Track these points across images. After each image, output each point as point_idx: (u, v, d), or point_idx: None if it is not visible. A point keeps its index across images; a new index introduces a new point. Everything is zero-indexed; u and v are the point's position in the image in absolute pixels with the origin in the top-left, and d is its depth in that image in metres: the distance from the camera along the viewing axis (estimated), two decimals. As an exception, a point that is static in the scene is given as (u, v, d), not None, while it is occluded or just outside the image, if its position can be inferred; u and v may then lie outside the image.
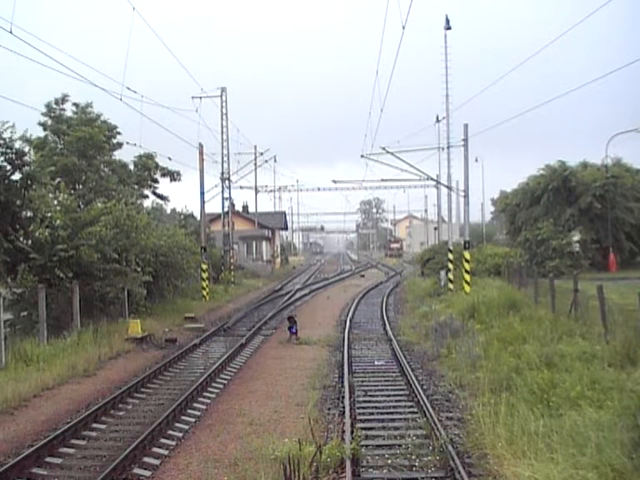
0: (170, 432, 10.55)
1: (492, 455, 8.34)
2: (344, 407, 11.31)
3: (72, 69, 21.58)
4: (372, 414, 11.30)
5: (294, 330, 20.58)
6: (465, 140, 30.70)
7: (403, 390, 13.20)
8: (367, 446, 9.35)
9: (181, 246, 29.00)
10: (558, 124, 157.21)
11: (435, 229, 65.10)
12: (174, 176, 39.64)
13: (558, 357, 12.52)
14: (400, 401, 12.31)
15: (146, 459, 9.24)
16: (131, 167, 37.57)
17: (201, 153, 36.57)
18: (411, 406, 11.81)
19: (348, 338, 19.64)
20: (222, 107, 42.22)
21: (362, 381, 14.03)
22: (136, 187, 37.32)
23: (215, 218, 49.71)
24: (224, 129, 42.42)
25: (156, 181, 39.66)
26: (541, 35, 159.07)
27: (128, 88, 23.68)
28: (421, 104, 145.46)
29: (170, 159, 39.17)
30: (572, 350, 12.83)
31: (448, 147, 32.65)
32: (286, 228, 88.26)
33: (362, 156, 35.99)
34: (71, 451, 9.72)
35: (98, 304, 21.20)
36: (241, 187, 53.49)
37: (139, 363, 17.02)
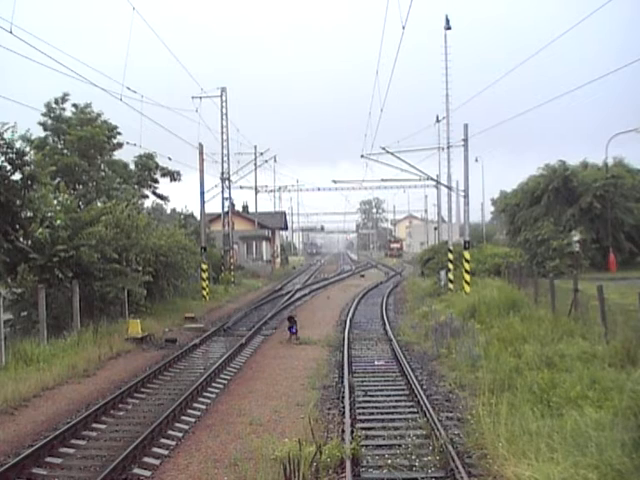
0: (170, 432, 10.54)
1: (492, 455, 8.33)
2: (344, 407, 11.30)
3: (72, 69, 21.56)
4: (372, 414, 11.29)
5: (294, 330, 20.57)
6: (465, 140, 30.70)
7: (403, 390, 13.20)
8: (367, 446, 9.34)
9: (181, 246, 28.99)
10: (558, 124, 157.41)
11: (435, 229, 65.08)
12: (174, 176, 39.70)
13: (558, 357, 12.53)
14: (400, 401, 12.30)
15: (146, 459, 9.23)
16: (131, 167, 37.61)
17: (201, 153, 36.56)
18: (411, 406, 11.80)
19: (348, 338, 19.63)
20: (222, 107, 42.24)
21: (362, 381, 14.02)
22: (136, 187, 37.36)
23: (215, 218, 49.72)
24: (224, 129, 42.47)
25: (156, 181, 39.73)
26: (541, 35, 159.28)
27: (128, 88, 23.71)
28: (421, 104, 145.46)
29: (170, 159, 39.34)
30: (572, 350, 12.84)
31: (448, 147, 32.69)
32: (286, 228, 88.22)
33: (362, 156, 36.07)
34: (71, 451, 9.71)
35: (98, 304, 21.19)
36: (241, 187, 53.62)
37: (139, 363, 17.01)
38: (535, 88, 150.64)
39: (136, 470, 8.80)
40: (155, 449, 9.70)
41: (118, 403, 12.42)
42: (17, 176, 17.95)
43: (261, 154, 54.37)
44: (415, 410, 11.41)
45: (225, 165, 42.49)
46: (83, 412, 11.55)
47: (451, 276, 31.84)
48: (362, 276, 56.97)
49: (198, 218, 42.85)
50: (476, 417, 9.81)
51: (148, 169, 38.50)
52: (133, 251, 23.30)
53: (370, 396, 12.66)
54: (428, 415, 10.51)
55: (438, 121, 35.84)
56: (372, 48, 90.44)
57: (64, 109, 34.05)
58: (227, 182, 43.16)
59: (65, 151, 33.27)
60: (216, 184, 42.63)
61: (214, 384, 14.22)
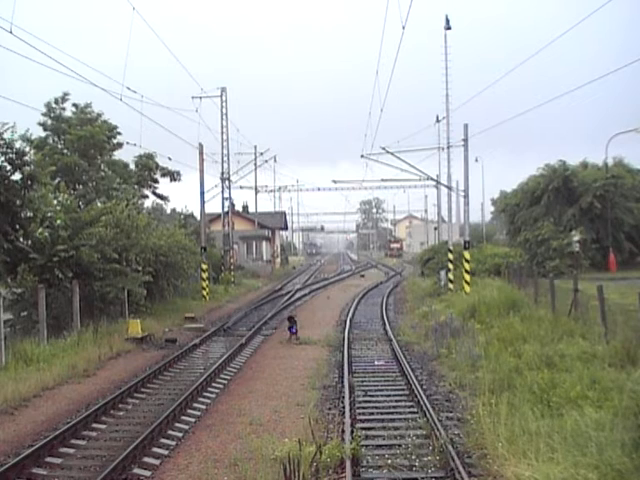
0: (170, 432, 10.54)
1: (492, 455, 8.33)
2: (344, 407, 11.30)
3: (72, 69, 21.55)
4: (372, 414, 11.29)
5: (294, 330, 20.57)
6: (465, 140, 30.69)
7: (403, 390, 13.20)
8: (367, 446, 9.34)
9: (181, 246, 29.00)
10: (558, 124, 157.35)
11: (435, 229, 65.09)
12: (174, 176, 39.70)
13: (558, 357, 12.53)
14: (400, 401, 12.30)
15: (146, 459, 9.23)
16: (132, 167, 37.61)
17: (201, 153, 36.57)
18: (411, 406, 11.80)
19: (348, 338, 19.63)
20: (222, 107, 42.25)
21: (362, 381, 14.02)
22: (136, 187, 37.37)
23: (215, 218, 49.72)
24: (224, 129, 42.48)
25: (156, 181, 39.74)
26: (541, 35, 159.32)
27: (128, 88, 23.72)
28: (421, 104, 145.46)
29: (170, 159, 39.37)
30: (572, 350, 12.84)
31: (448, 147, 32.69)
32: (286, 228, 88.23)
33: (362, 156, 36.09)
34: (71, 451, 9.71)
35: (98, 304, 21.19)
36: (241, 187, 53.64)
37: (139, 363, 17.01)
38: (535, 88, 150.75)
39: (136, 470, 8.80)
40: (155, 449, 9.70)
41: (118, 403, 12.42)
42: (17, 176, 17.96)
43: (261, 154, 54.48)
44: (415, 410, 11.41)
45: (225, 165, 42.56)
46: (83, 412, 11.55)
47: (451, 276, 31.83)
48: (362, 276, 56.96)
49: (198, 218, 42.86)
50: (476, 417, 9.81)
51: (148, 169, 38.50)
52: (133, 251, 23.31)
53: (370, 396, 12.66)
54: (428, 415, 10.51)
55: (438, 121, 35.88)
56: (372, 48, 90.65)
57: (64, 109, 34.08)
58: (227, 182, 43.18)
59: (65, 151, 33.27)
60: (216, 184, 42.70)
61: (214, 384, 14.21)
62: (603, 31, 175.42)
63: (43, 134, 33.47)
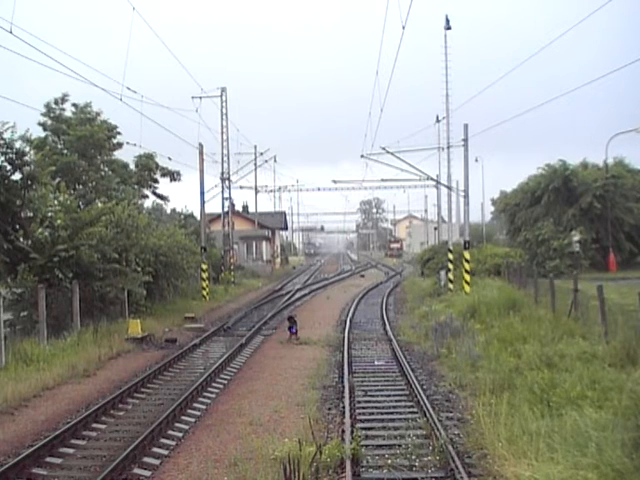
0: (170, 432, 10.55)
1: (492, 455, 8.33)
2: (344, 407, 11.31)
3: (72, 69, 21.53)
4: (372, 414, 11.29)
5: (294, 330, 20.57)
6: (465, 140, 30.69)
7: (403, 390, 13.19)
8: (367, 446, 9.34)
9: (181, 246, 29.00)
10: (558, 124, 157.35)
11: (435, 229, 65.06)
12: (174, 176, 39.68)
13: (558, 357, 12.52)
14: (400, 401, 12.30)
15: (146, 459, 9.23)
16: (131, 167, 37.59)
17: (201, 153, 36.56)
18: (411, 406, 11.80)
19: (348, 338, 19.63)
20: (222, 107, 42.25)
21: (362, 381, 14.02)
22: (136, 187, 37.35)
23: (215, 218, 49.70)
24: (224, 129, 42.47)
25: (156, 181, 39.71)
26: (541, 35, 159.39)
27: (128, 88, 23.71)
28: (421, 104, 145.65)
29: (170, 159, 39.31)
30: (572, 350, 12.83)
31: (448, 147, 32.69)
32: (286, 228, 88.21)
33: (362, 156, 36.10)
34: (71, 451, 9.72)
35: (98, 304, 21.18)
36: (241, 187, 53.56)
37: (139, 363, 17.02)
38: (535, 88, 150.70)
39: (136, 470, 8.80)
40: (155, 449, 9.71)
41: (118, 403, 12.43)
42: (17, 176, 17.96)
43: (261, 154, 54.50)
44: (415, 410, 11.41)
45: (225, 165, 42.55)
46: (83, 412, 11.56)
47: (451, 276, 31.82)
48: (362, 276, 56.96)
49: (198, 218, 42.85)
50: (476, 417, 9.81)
51: (148, 169, 38.47)
52: (133, 251, 23.30)
53: (370, 396, 12.66)
54: (428, 415, 10.51)
55: (438, 121, 35.92)
56: (372, 48, 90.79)
57: (64, 109, 34.07)
58: (227, 182, 43.17)
59: (65, 151, 33.26)
60: (216, 184, 42.66)
61: (214, 384, 14.22)
62: (603, 31, 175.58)
63: (43, 134, 33.47)
